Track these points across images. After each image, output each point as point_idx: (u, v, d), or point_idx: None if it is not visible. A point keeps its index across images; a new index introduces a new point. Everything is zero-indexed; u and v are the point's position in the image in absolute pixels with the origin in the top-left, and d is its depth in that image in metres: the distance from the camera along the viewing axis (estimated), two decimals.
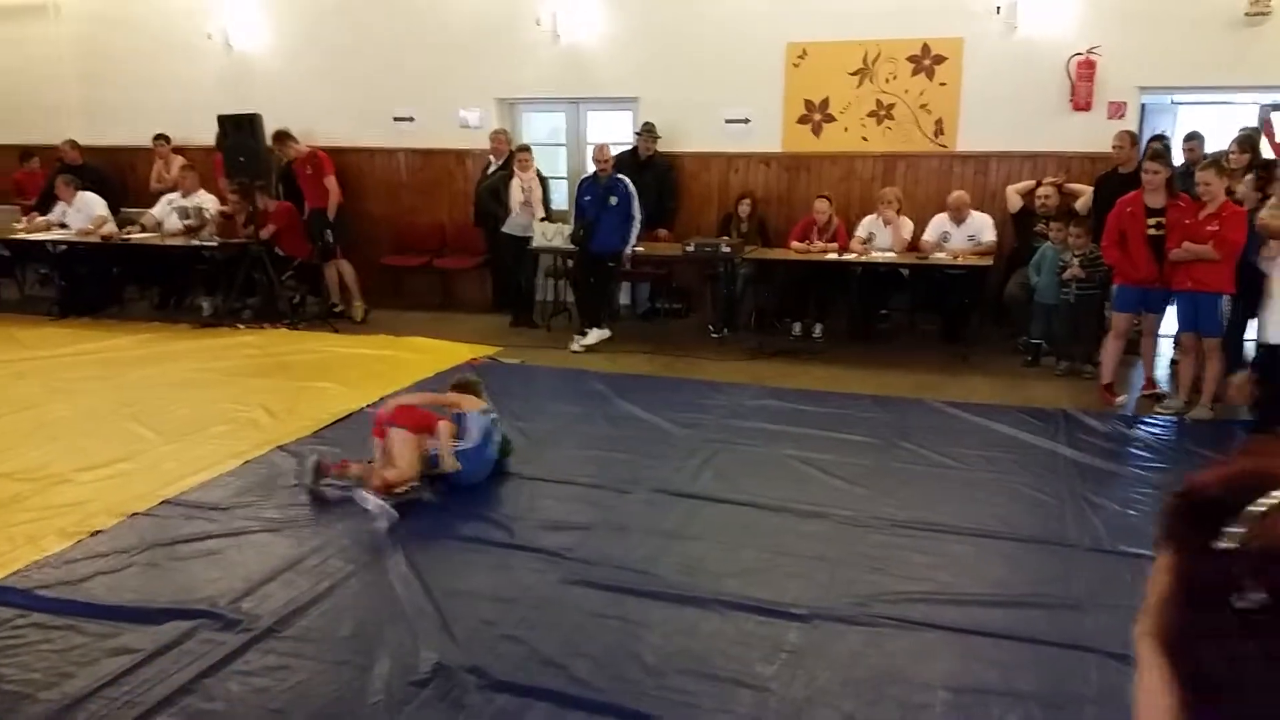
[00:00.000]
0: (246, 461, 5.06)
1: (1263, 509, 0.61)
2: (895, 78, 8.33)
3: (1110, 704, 3.04)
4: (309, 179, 8.81)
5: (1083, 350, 6.93)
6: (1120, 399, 6.21)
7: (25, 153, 10.69)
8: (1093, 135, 7.82)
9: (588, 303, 8.13)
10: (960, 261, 7.39)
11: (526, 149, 8.73)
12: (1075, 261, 6.77)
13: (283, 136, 8.80)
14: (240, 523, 4.30)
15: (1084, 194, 7.55)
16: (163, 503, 4.52)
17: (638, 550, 4.08)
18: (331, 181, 8.81)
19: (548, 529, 4.28)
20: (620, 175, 7.88)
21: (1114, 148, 7.34)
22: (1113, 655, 3.28)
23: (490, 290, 9.58)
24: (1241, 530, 0.61)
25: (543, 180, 8.88)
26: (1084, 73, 7.89)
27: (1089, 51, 7.84)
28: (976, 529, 4.30)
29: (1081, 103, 7.96)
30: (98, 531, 4.21)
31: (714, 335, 8.24)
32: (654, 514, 4.46)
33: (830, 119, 8.53)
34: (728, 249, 7.83)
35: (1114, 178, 7.17)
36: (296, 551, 4.02)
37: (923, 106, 8.32)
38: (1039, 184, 7.78)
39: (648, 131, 8.69)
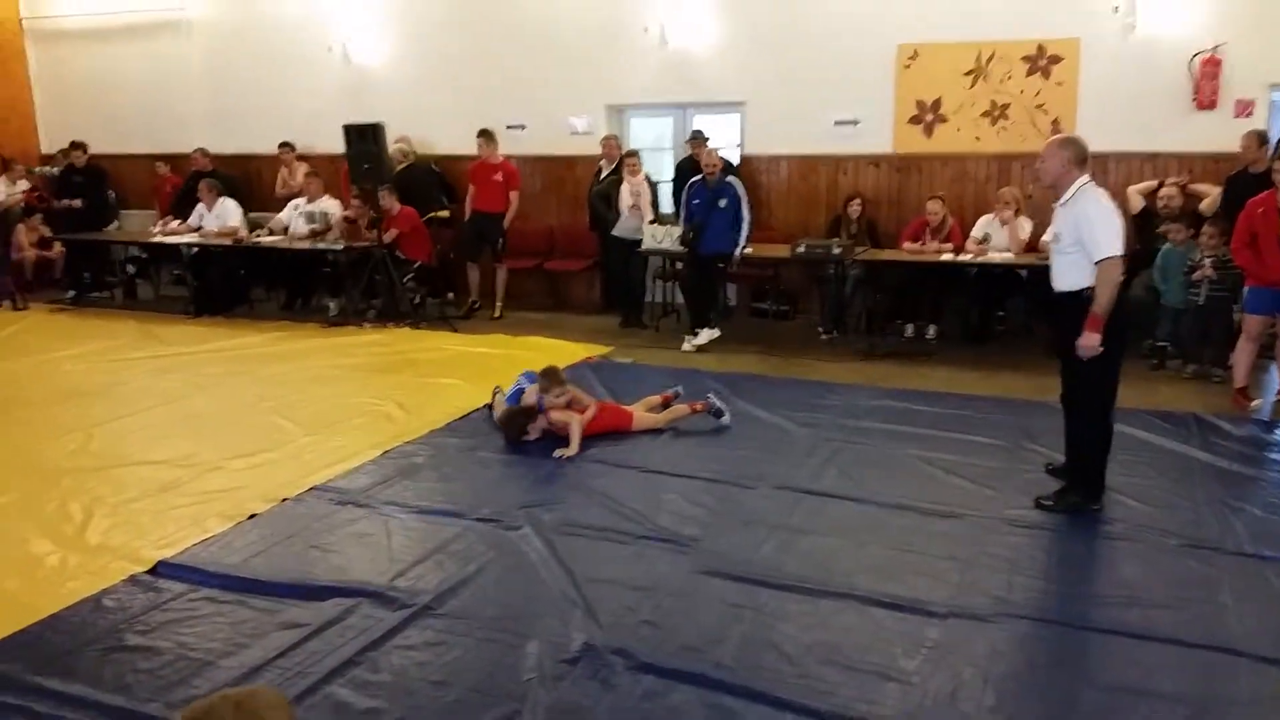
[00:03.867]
0: (385, 452, 5.30)
1: None
2: (1010, 78, 8.24)
3: (1259, 707, 3.01)
4: (495, 185, 9.07)
5: (1212, 353, 6.75)
6: (1255, 403, 6.04)
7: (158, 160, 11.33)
8: (1217, 135, 7.62)
9: (697, 304, 8.22)
10: None
11: (635, 154, 8.88)
12: (1208, 263, 6.61)
13: (488, 134, 9.09)
14: (386, 509, 4.52)
15: (1210, 195, 7.35)
16: (311, 489, 4.77)
17: (766, 544, 4.15)
18: (516, 195, 9.17)
19: (677, 521, 4.39)
20: (730, 179, 7.96)
21: (1242, 148, 7.12)
22: (1261, 658, 3.24)
23: (599, 292, 9.77)
24: None
25: (651, 184, 9.02)
26: (1208, 70, 7.69)
27: (1214, 49, 7.64)
28: (1111, 532, 4.26)
29: (1205, 101, 7.76)
30: (254, 515, 4.47)
31: (823, 336, 8.25)
32: (779, 509, 4.53)
33: (942, 119, 8.47)
34: (838, 250, 7.84)
35: (1244, 178, 6.95)
36: (441, 537, 4.21)
37: (1039, 106, 8.20)
38: (1161, 184, 7.59)
39: (695, 138, 8.71)
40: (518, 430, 5.43)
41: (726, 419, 5.80)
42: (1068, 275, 4.38)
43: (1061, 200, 4.40)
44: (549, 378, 5.48)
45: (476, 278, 9.34)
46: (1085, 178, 4.33)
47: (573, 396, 5.53)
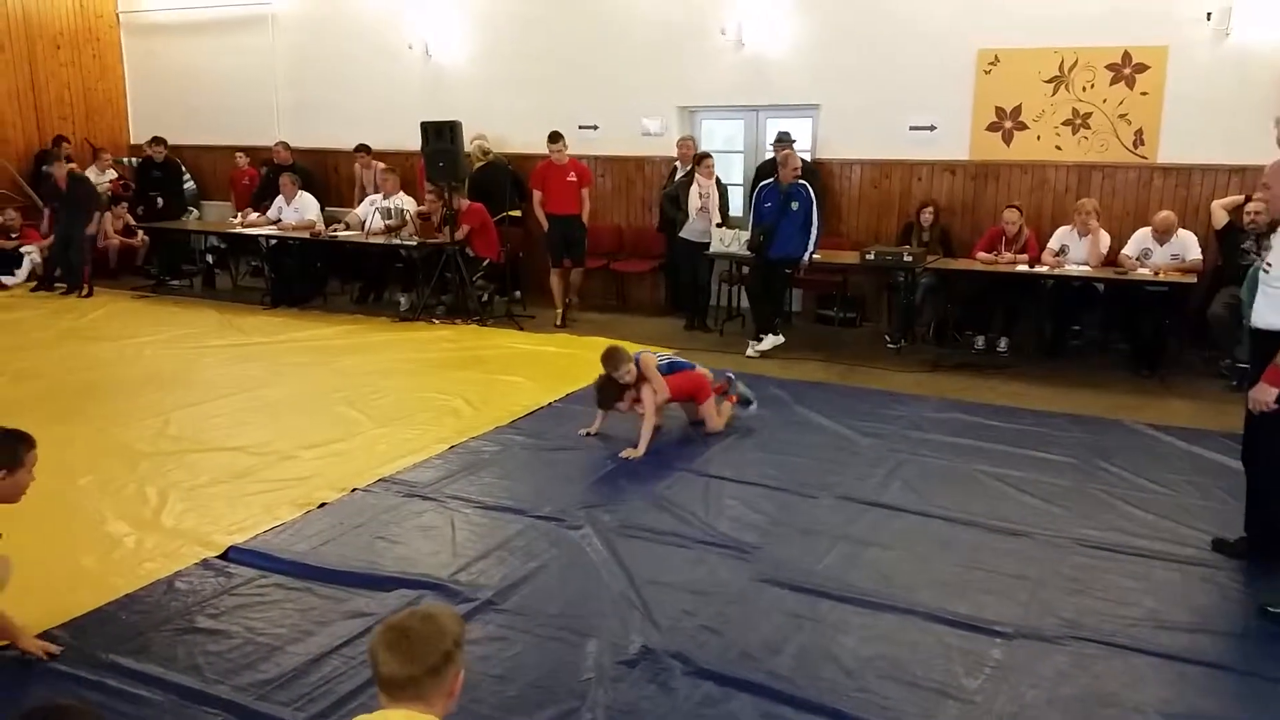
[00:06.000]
0: (452, 447, 5.38)
1: None
2: (1093, 86, 8.04)
3: None
4: (570, 186, 9.00)
5: None
6: None
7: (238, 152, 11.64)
8: None
9: (762, 309, 8.18)
10: (1163, 278, 7.07)
11: (708, 156, 8.86)
12: None
13: (557, 137, 8.98)
14: (451, 503, 4.59)
15: None
16: (379, 480, 4.87)
17: (828, 555, 4.12)
18: (587, 193, 9.11)
19: (738, 527, 4.38)
20: (802, 181, 7.89)
21: None
22: None
23: (664, 294, 9.77)
24: None
25: (720, 187, 9.00)
26: None
27: None
28: (1185, 556, 4.13)
29: None
30: (324, 504, 4.57)
31: (890, 345, 8.14)
32: (842, 520, 4.48)
33: (1022, 127, 8.30)
34: (909, 258, 7.73)
35: None
36: (504, 533, 4.27)
37: (1122, 116, 7.99)
38: (1248, 199, 7.35)
39: (781, 140, 8.61)
40: (610, 397, 5.50)
41: (754, 408, 5.92)
42: (1271, 313, 3.82)
43: None
44: (610, 358, 5.48)
45: (560, 286, 9.17)
46: None
47: (641, 374, 5.50)
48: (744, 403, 5.93)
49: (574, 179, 9.02)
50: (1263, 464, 4.02)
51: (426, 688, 1.94)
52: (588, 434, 5.64)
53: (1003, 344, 7.97)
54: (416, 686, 1.93)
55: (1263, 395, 3.80)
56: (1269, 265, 3.85)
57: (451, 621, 2.04)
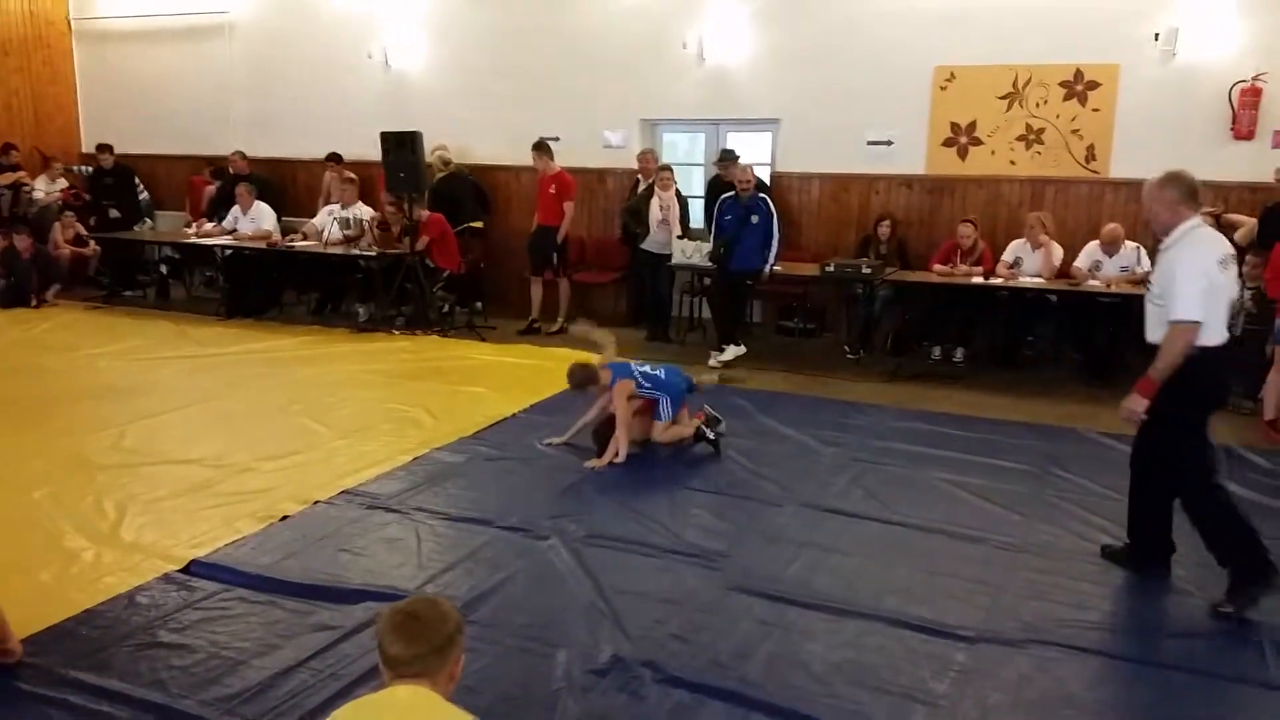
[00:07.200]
0: (415, 458, 5.35)
1: None
2: (1046, 102, 8.22)
3: None
4: (550, 198, 9.00)
5: (1243, 386, 6.69)
6: None
7: (208, 163, 11.45)
8: (1254, 165, 7.58)
9: (724, 320, 8.23)
10: (1114, 289, 7.24)
11: (668, 169, 8.92)
12: (1248, 295, 6.55)
13: (543, 147, 8.97)
14: (416, 515, 4.56)
15: (1245, 225, 7.29)
16: (342, 493, 4.82)
17: (794, 562, 4.16)
18: (570, 206, 9.04)
19: (704, 536, 4.41)
20: (762, 194, 7.99)
21: (1276, 180, 7.10)
22: None
23: (625, 305, 9.80)
24: None
25: (681, 199, 9.06)
26: (1248, 100, 7.66)
27: (1254, 79, 7.60)
28: None
29: (1244, 131, 7.71)
30: (286, 517, 4.52)
31: (850, 356, 8.24)
32: (806, 528, 4.53)
33: (977, 142, 8.47)
34: (868, 270, 7.84)
35: None
36: (470, 544, 4.25)
37: (1074, 132, 8.18)
38: None
39: (725, 158, 8.67)
40: (604, 442, 5.47)
41: (722, 427, 5.76)
42: (1157, 328, 3.90)
43: (1165, 244, 3.91)
44: (571, 377, 5.51)
45: (539, 294, 9.22)
46: (1195, 220, 3.83)
47: (606, 389, 5.51)
48: (709, 422, 5.84)
49: (553, 191, 9.02)
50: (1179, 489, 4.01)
51: (432, 666, 2.08)
52: (551, 444, 5.64)
53: (959, 354, 8.10)
54: (423, 664, 2.07)
55: (1134, 405, 3.86)
56: (1151, 283, 3.99)
57: (452, 609, 2.20)
